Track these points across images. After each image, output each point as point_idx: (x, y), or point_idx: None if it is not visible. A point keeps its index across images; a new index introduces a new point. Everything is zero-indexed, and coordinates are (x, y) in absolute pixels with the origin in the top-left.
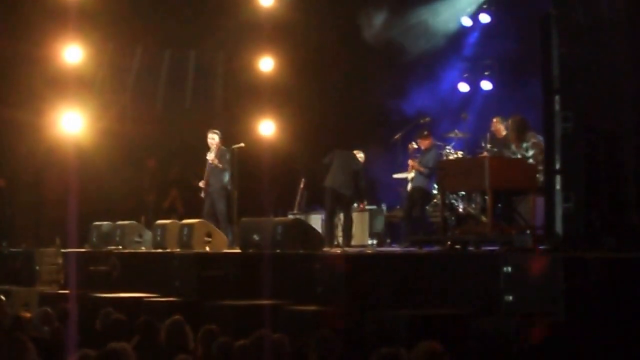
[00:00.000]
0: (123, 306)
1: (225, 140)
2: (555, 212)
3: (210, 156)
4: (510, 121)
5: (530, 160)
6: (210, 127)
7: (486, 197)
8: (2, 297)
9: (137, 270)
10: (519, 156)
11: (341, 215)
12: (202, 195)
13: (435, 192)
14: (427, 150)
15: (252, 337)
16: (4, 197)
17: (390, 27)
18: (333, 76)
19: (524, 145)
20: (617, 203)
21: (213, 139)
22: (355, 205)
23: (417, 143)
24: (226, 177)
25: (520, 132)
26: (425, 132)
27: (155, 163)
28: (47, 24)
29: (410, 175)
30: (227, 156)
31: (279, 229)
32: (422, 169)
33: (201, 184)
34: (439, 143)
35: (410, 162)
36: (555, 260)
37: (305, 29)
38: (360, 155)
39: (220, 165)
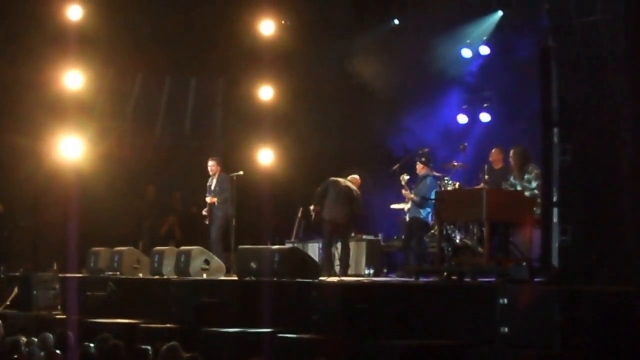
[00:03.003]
0: (120, 332)
1: (224, 168)
2: (552, 245)
3: (209, 199)
4: (512, 152)
5: (535, 191)
6: (210, 154)
7: (483, 229)
8: None
9: (134, 296)
10: (519, 187)
11: (338, 245)
12: (207, 222)
13: (432, 222)
14: (422, 178)
15: None
16: (2, 222)
17: (385, 69)
18: (332, 106)
19: (526, 176)
20: (613, 236)
21: (212, 166)
22: (353, 234)
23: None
24: (228, 206)
25: (522, 163)
26: (424, 159)
27: (153, 189)
28: (47, 50)
29: (407, 206)
30: (226, 184)
31: (276, 257)
32: (415, 198)
33: (204, 212)
34: (436, 173)
35: (403, 192)
36: (551, 293)
37: (306, 58)
38: (355, 178)
39: (221, 201)
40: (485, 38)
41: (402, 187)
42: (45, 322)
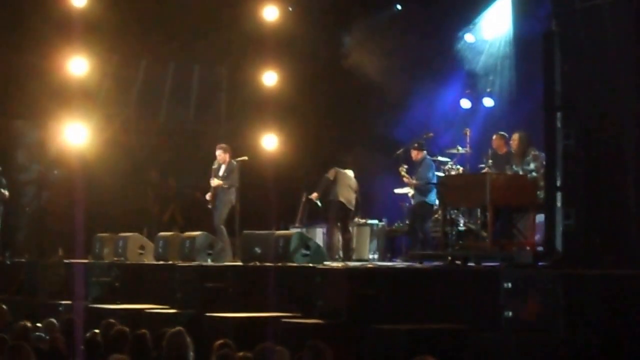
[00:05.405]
0: (124, 317)
1: (232, 155)
2: (556, 229)
3: (215, 182)
4: (518, 135)
5: (534, 174)
6: (214, 140)
7: (487, 213)
8: (4, 306)
9: (139, 281)
10: (521, 172)
11: (342, 229)
12: (210, 206)
13: (436, 207)
14: (420, 163)
15: (256, 350)
16: (8, 208)
17: (388, 54)
18: (336, 91)
19: (526, 159)
20: (617, 220)
21: (219, 154)
22: (356, 220)
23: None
24: (233, 193)
25: (523, 149)
26: (416, 145)
27: (157, 175)
28: (52, 36)
29: (412, 191)
30: (235, 171)
31: (281, 242)
32: (417, 183)
33: (208, 196)
34: (439, 158)
35: (405, 180)
36: (555, 277)
37: (309, 43)
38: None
39: (226, 186)
40: (489, 22)
41: (403, 177)
42: (51, 308)
